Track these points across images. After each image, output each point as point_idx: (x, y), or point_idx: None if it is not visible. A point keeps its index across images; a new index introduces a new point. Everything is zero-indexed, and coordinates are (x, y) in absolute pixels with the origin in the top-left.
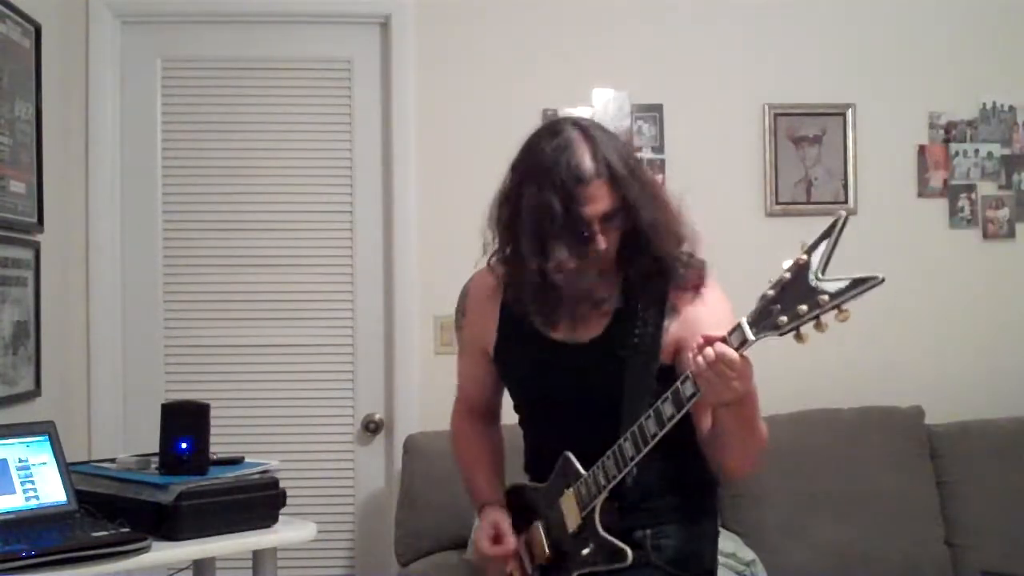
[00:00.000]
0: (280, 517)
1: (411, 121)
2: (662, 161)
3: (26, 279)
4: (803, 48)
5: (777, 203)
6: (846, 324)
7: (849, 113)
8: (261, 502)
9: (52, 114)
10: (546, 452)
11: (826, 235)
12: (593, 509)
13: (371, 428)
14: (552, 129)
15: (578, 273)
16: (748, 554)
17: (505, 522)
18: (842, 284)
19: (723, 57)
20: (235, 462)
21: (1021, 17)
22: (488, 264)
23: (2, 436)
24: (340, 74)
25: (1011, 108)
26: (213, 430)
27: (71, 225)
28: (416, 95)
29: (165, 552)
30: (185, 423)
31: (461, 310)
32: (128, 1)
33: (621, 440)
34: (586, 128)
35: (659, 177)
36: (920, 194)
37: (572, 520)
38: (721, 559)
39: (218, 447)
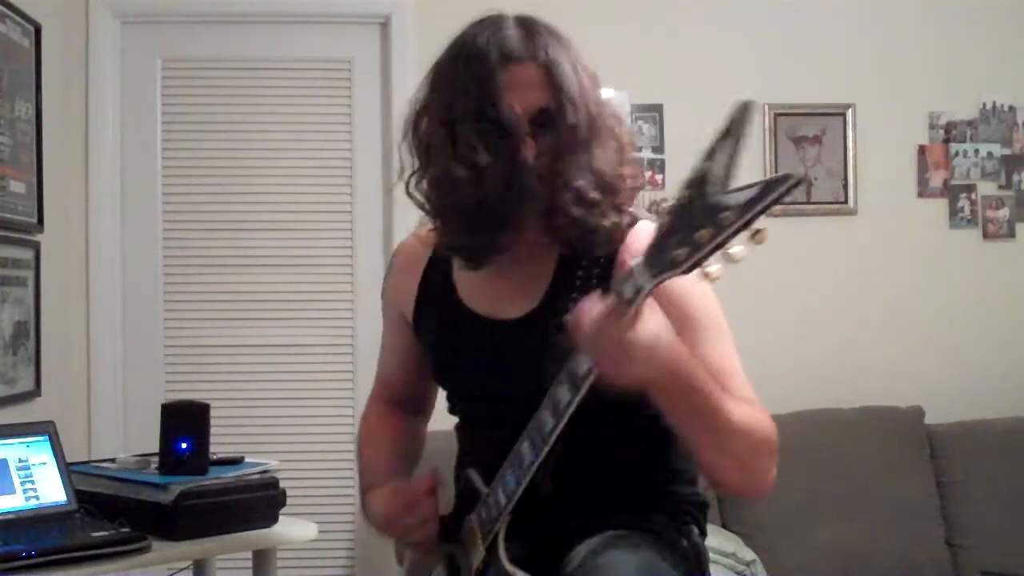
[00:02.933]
0: (280, 517)
1: None
2: (662, 161)
3: (26, 279)
4: (803, 48)
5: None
6: (851, 323)
7: (849, 113)
8: (261, 502)
9: (52, 114)
10: (473, 465)
11: (727, 134)
12: (496, 536)
13: None
14: (483, 19)
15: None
16: (748, 554)
17: (408, 486)
18: (752, 193)
19: (723, 57)
20: (235, 462)
21: (1021, 17)
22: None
23: (2, 436)
24: (340, 74)
25: (1011, 108)
26: (213, 430)
27: (71, 225)
28: None
29: (165, 552)
30: (185, 423)
31: (387, 273)
32: (128, 1)
33: (519, 442)
34: (528, 21)
35: (658, 177)
36: (920, 194)
37: (477, 555)
38: (721, 559)
39: (218, 447)
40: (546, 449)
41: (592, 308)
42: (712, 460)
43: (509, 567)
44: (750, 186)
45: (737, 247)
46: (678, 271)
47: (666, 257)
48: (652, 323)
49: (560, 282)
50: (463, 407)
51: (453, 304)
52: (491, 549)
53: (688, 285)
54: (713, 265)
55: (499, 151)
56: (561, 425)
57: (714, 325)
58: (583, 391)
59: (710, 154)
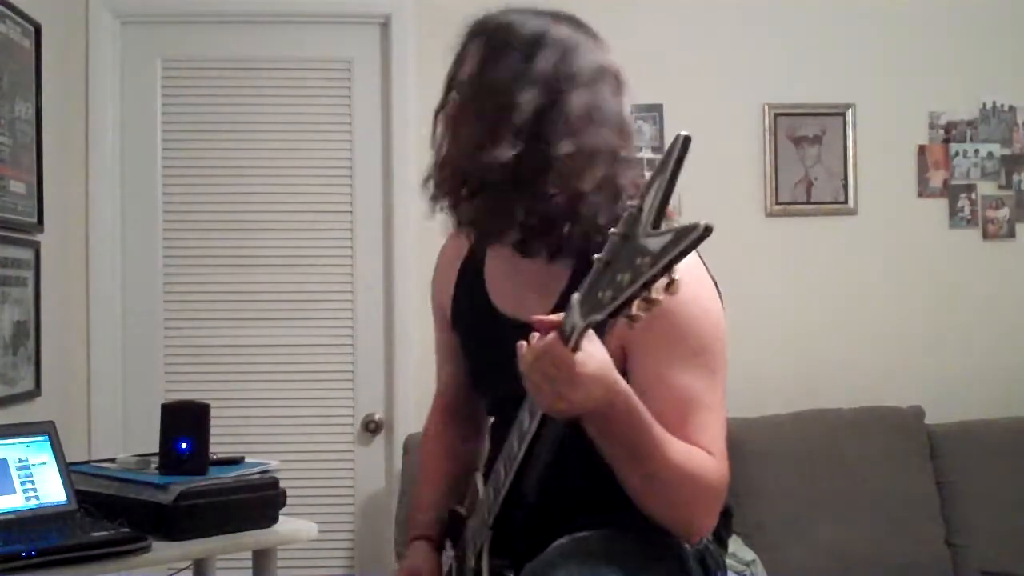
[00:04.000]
0: (280, 517)
1: (411, 121)
2: None
3: (26, 279)
4: (803, 48)
5: (777, 203)
6: (851, 323)
7: (849, 113)
8: (261, 502)
9: (52, 114)
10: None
11: (660, 169)
12: (482, 552)
13: (371, 428)
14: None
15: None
16: (748, 554)
17: (426, 569)
18: (666, 239)
19: (723, 57)
20: (235, 462)
21: (1021, 17)
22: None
23: (2, 436)
24: (340, 74)
25: (1011, 108)
26: (213, 430)
27: (71, 225)
28: (416, 95)
29: (165, 552)
30: (185, 423)
31: (433, 274)
32: (128, 1)
33: (496, 462)
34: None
35: None
36: (920, 194)
37: (468, 566)
38: None
39: (218, 447)
40: (515, 467)
41: (535, 341)
42: (640, 496)
43: None
44: (665, 232)
45: (657, 293)
46: (603, 314)
47: (594, 298)
48: (591, 360)
49: (572, 288)
50: (487, 405)
51: (481, 301)
52: (479, 559)
53: (692, 306)
54: (635, 309)
55: None
56: (523, 450)
57: (702, 354)
58: (537, 419)
59: (646, 189)
